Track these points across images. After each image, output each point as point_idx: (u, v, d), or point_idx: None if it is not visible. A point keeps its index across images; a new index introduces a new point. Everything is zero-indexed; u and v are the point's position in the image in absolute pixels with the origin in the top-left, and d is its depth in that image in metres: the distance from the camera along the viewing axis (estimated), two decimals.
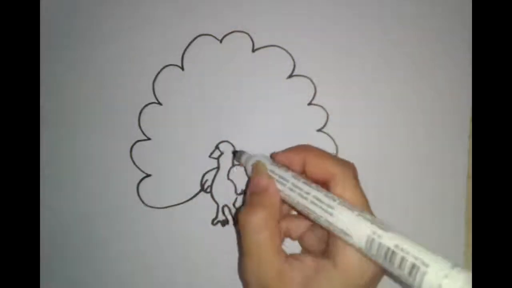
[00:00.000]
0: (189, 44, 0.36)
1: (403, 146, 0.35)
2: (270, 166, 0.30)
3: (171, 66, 0.36)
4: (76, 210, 0.36)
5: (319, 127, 0.35)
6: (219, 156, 0.36)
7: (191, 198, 0.36)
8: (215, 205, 0.36)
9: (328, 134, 0.35)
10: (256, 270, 0.27)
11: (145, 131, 0.36)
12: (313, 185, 0.27)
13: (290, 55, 0.36)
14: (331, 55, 0.36)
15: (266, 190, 0.29)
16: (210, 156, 0.36)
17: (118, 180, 0.36)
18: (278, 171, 0.29)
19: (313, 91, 0.36)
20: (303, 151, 0.30)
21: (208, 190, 0.36)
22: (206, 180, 0.36)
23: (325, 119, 0.35)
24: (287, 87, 0.36)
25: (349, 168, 0.28)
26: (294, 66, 0.36)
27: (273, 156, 0.31)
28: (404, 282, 0.22)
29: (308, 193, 0.27)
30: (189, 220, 0.36)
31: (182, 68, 0.36)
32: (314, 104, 0.36)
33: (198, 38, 0.36)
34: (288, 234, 0.32)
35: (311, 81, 0.36)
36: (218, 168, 0.36)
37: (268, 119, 0.36)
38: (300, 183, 0.27)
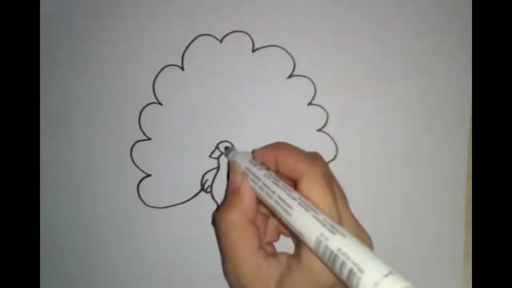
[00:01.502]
0: (189, 44, 0.36)
1: (403, 146, 0.35)
2: (247, 164, 0.29)
3: (171, 66, 0.36)
4: (76, 210, 0.36)
5: (319, 127, 0.36)
6: (219, 156, 0.36)
7: (191, 198, 0.36)
8: (215, 205, 0.36)
9: (328, 134, 0.35)
10: (233, 269, 0.28)
11: (145, 131, 0.36)
12: (281, 183, 0.27)
13: (290, 55, 0.36)
14: (331, 55, 0.36)
15: (238, 190, 0.29)
16: (210, 156, 0.36)
17: (118, 180, 0.36)
18: (253, 169, 0.29)
19: (313, 91, 0.36)
20: (276, 149, 0.29)
21: (208, 190, 0.36)
22: (206, 180, 0.36)
23: (325, 119, 0.35)
24: (287, 87, 0.36)
25: (318, 167, 0.27)
26: (294, 66, 0.36)
27: (253, 154, 0.31)
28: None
29: (273, 192, 0.27)
30: (189, 220, 0.36)
31: (182, 68, 0.36)
32: (314, 104, 0.36)
33: (198, 38, 0.36)
34: (280, 231, 0.32)
35: (311, 81, 0.36)
36: (218, 168, 0.36)
37: (268, 119, 0.36)
38: (269, 182, 0.27)
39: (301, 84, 0.36)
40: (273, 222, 0.31)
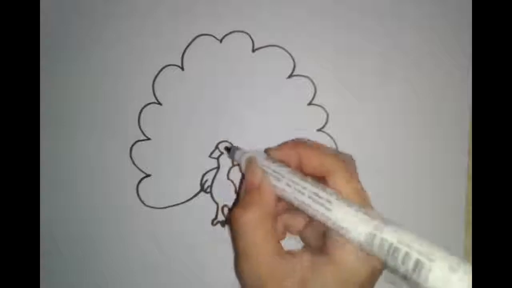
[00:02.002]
0: (189, 44, 0.36)
1: (403, 146, 0.35)
2: (264, 162, 0.29)
3: (171, 66, 0.36)
4: (76, 210, 0.36)
5: (319, 127, 0.35)
6: (219, 156, 0.36)
7: (191, 198, 0.36)
8: (215, 205, 0.36)
9: (328, 134, 0.35)
10: (252, 270, 0.27)
11: (145, 131, 0.36)
12: (309, 180, 0.27)
13: (290, 55, 0.36)
14: (331, 55, 0.36)
15: (260, 188, 0.28)
16: (210, 156, 0.36)
17: (118, 180, 0.36)
18: (273, 167, 0.28)
19: (313, 91, 0.36)
20: (298, 146, 0.29)
21: (208, 190, 0.36)
22: (206, 180, 0.36)
23: (325, 119, 0.35)
24: (287, 87, 0.36)
25: (346, 162, 0.27)
26: (294, 66, 0.36)
27: (267, 152, 0.30)
28: (406, 280, 0.22)
29: (305, 188, 0.26)
30: (189, 220, 0.36)
31: (182, 68, 0.36)
32: (314, 104, 0.36)
33: (198, 38, 0.36)
34: (288, 229, 0.31)
35: (311, 81, 0.36)
36: (218, 168, 0.36)
37: (268, 119, 0.36)
38: (297, 178, 0.27)
39: (301, 84, 0.36)
40: (281, 221, 0.31)
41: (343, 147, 0.35)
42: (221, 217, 0.35)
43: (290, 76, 0.36)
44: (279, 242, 0.29)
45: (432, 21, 0.36)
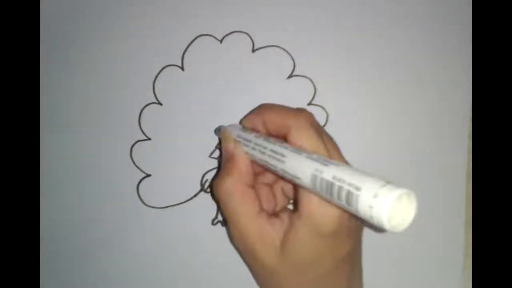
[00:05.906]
0: (189, 44, 0.36)
1: (403, 146, 0.35)
2: (238, 132, 0.30)
3: (171, 66, 0.36)
4: (76, 210, 0.36)
5: None
6: (219, 156, 0.36)
7: (191, 198, 0.36)
8: (215, 205, 0.36)
9: None
10: (239, 235, 0.28)
11: (145, 131, 0.36)
12: (272, 139, 0.27)
13: (290, 55, 0.36)
14: (331, 55, 0.36)
15: (233, 156, 0.29)
16: (210, 156, 0.36)
17: (118, 180, 0.36)
18: (243, 135, 0.29)
19: (313, 91, 0.36)
20: (262, 111, 0.30)
21: (208, 190, 0.36)
22: (206, 180, 0.36)
23: (325, 119, 0.35)
24: (287, 87, 0.36)
25: (303, 117, 0.27)
26: (294, 66, 0.36)
27: (240, 122, 0.31)
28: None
29: (265, 148, 0.27)
30: (189, 220, 0.36)
31: (182, 68, 0.36)
32: (314, 104, 0.36)
33: (198, 38, 0.36)
34: (287, 194, 0.32)
35: (311, 81, 0.36)
36: (218, 168, 0.36)
37: None
38: (260, 140, 0.27)
39: (301, 84, 0.36)
40: (278, 188, 0.31)
41: (343, 147, 0.35)
42: (221, 217, 0.36)
43: (290, 76, 0.36)
44: (261, 205, 0.29)
45: (432, 21, 0.36)
